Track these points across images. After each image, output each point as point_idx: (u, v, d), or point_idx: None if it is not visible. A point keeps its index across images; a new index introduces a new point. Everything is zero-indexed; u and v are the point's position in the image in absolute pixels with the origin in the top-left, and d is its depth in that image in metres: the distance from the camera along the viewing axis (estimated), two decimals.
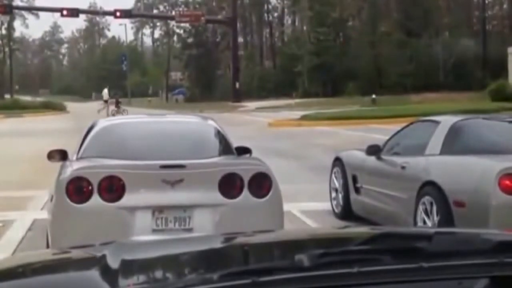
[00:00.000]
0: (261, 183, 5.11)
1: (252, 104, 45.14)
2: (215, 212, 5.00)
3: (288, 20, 73.81)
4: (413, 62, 50.44)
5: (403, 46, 51.94)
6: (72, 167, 5.23)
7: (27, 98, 61.17)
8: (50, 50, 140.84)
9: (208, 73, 70.67)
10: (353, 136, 18.93)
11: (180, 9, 64.19)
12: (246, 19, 71.40)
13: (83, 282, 1.60)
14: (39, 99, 62.13)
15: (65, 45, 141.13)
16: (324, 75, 53.05)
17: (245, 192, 5.02)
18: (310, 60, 51.84)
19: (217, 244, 2.08)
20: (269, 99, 49.88)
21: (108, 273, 1.56)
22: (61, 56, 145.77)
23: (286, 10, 71.29)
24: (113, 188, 4.93)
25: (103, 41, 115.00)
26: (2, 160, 14.36)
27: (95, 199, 4.89)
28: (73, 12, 39.36)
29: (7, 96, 70.02)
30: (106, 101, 38.24)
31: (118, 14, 41.06)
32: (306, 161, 12.97)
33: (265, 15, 73.82)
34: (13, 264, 2.01)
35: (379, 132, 19.71)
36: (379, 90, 47.15)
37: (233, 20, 49.84)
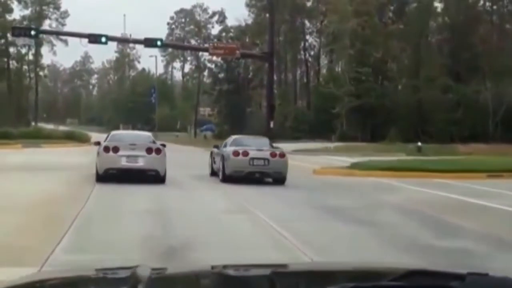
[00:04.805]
0: (159, 150, 16.42)
1: (286, 146, 41.94)
2: (144, 158, 16.19)
3: (324, 59, 71.13)
4: (460, 109, 47.07)
5: (449, 92, 48.71)
6: (104, 143, 16.81)
7: (50, 127, 59.17)
8: (80, 80, 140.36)
9: (239, 110, 68.05)
10: (420, 194, 15.70)
11: (215, 40, 61.88)
12: (281, 57, 68.85)
13: None
14: (62, 128, 60.11)
15: (95, 76, 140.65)
16: (364, 118, 49.86)
17: (153, 153, 16.29)
18: (349, 101, 48.62)
19: (242, 273, 2.27)
20: (304, 141, 46.76)
21: None
22: (90, 86, 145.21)
23: (322, 49, 68.61)
24: (116, 149, 16.23)
25: (133, 73, 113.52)
26: None
27: (110, 152, 16.18)
28: (101, 38, 37.07)
29: (33, 123, 68.31)
30: None
31: (149, 42, 38.75)
32: (382, 231, 9.74)
33: (301, 52, 71.20)
34: (37, 279, 2.17)
35: (446, 189, 16.52)
36: (422, 137, 43.94)
37: (270, 55, 47.01)
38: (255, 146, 17.59)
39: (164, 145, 17.03)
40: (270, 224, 9.95)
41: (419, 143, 38.43)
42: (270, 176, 17.26)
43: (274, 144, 43.70)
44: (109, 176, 15.76)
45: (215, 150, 19.19)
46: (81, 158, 24.90)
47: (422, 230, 9.85)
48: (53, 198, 12.59)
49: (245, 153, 16.95)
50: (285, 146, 41.60)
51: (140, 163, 15.96)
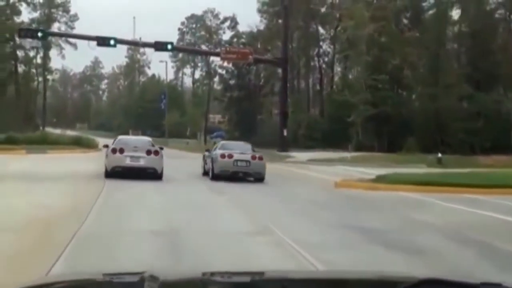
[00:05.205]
0: (157, 152, 19.87)
1: (300, 155, 40.50)
2: (145, 159, 19.59)
3: (337, 66, 69.49)
4: (481, 119, 45.28)
5: (468, 101, 46.96)
6: (111, 146, 20.26)
7: (57, 132, 57.98)
8: (90, 85, 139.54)
9: (249, 117, 66.65)
10: (457, 212, 14.15)
11: (226, 45, 60.45)
12: (294, 63, 67.33)
13: None
14: (70, 133, 58.92)
15: (105, 81, 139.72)
16: (380, 127, 48.17)
17: (152, 154, 19.72)
18: (365, 109, 46.89)
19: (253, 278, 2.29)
20: (318, 150, 45.16)
21: None
22: (100, 92, 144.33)
23: (336, 55, 66.97)
24: (121, 150, 19.63)
25: (143, 79, 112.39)
26: None
27: (117, 153, 19.59)
28: (110, 41, 35.78)
29: (42, 128, 67.13)
30: None
31: (159, 46, 37.42)
32: (435, 262, 8.20)
33: (315, 59, 69.59)
34: (45, 282, 2.17)
35: (481, 206, 15.01)
36: (440, 147, 42.23)
37: (284, 60, 45.55)
38: (239, 150, 21.05)
39: (161, 148, 20.76)
40: (293, 246, 8.45)
41: (439, 154, 36.82)
42: (251, 175, 20.44)
43: (288, 153, 42.19)
44: (115, 173, 19.18)
45: (207, 153, 22.51)
46: (89, 165, 23.72)
47: (482, 261, 8.30)
48: (47, 215, 11.13)
49: (230, 156, 20.36)
50: (299, 155, 40.23)
51: (141, 163, 19.59)
